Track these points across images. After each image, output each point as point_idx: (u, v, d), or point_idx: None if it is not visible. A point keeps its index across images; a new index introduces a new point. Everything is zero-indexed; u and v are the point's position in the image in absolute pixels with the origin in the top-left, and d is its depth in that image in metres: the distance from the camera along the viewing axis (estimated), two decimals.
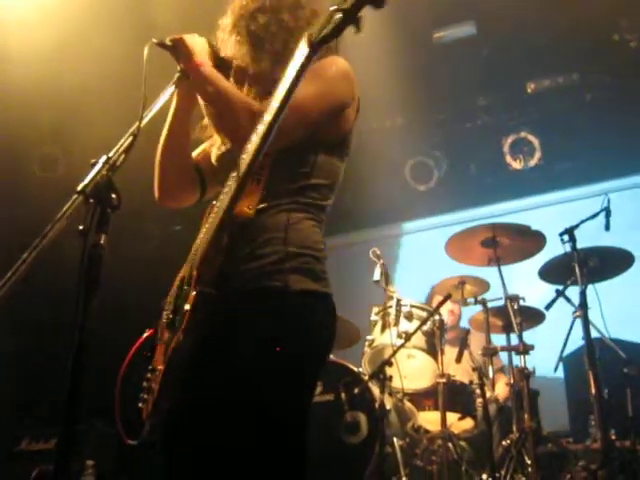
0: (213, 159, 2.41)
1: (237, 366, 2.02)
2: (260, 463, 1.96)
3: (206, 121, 2.41)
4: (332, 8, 1.73)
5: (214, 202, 2.19)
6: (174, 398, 2.06)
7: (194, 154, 2.50)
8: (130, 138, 1.88)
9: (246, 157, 1.95)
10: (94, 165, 1.77)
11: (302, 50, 1.84)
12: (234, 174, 2.00)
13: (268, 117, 1.90)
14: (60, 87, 5.69)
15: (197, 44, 2.26)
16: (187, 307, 2.03)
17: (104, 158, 1.79)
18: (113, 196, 1.74)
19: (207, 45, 2.29)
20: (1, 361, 5.86)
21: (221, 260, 2.07)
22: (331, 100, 2.20)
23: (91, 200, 1.71)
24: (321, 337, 2.16)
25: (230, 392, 2.01)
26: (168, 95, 2.17)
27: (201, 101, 2.32)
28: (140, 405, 2.12)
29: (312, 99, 2.13)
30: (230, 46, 2.32)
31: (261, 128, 1.92)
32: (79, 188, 1.70)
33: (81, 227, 1.69)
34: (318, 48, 1.81)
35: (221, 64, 2.30)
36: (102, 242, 1.70)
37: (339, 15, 1.71)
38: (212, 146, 2.45)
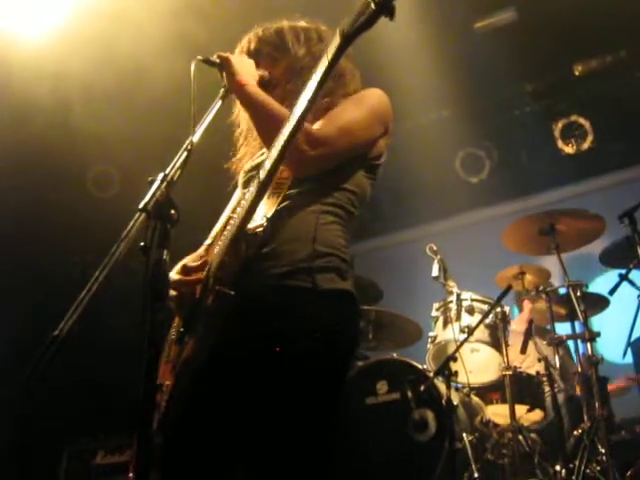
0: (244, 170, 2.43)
1: (261, 368, 2.00)
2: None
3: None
4: (364, 1, 1.67)
5: (233, 214, 2.18)
6: (182, 411, 2.05)
7: None
8: (185, 153, 1.91)
9: (267, 163, 1.92)
10: (152, 183, 1.80)
11: (335, 42, 1.76)
12: (254, 183, 1.97)
13: (298, 112, 1.82)
14: None
15: (243, 64, 2.28)
16: (207, 304, 2.03)
17: (161, 175, 1.81)
18: (172, 212, 1.77)
19: (254, 67, 2.31)
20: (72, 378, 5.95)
21: (239, 264, 2.05)
22: (376, 125, 2.26)
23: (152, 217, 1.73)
24: (347, 334, 2.14)
25: (254, 394, 1.99)
26: (216, 109, 2.19)
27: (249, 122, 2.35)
28: None
29: (362, 124, 2.21)
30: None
31: (287, 129, 1.85)
32: (141, 206, 1.73)
33: (142, 244, 1.71)
34: (352, 40, 1.74)
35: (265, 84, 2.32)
36: (165, 258, 1.72)
37: (372, 7, 1.65)
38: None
